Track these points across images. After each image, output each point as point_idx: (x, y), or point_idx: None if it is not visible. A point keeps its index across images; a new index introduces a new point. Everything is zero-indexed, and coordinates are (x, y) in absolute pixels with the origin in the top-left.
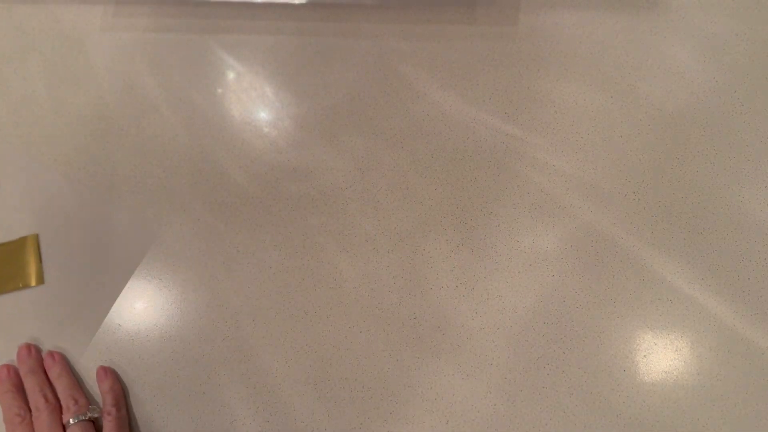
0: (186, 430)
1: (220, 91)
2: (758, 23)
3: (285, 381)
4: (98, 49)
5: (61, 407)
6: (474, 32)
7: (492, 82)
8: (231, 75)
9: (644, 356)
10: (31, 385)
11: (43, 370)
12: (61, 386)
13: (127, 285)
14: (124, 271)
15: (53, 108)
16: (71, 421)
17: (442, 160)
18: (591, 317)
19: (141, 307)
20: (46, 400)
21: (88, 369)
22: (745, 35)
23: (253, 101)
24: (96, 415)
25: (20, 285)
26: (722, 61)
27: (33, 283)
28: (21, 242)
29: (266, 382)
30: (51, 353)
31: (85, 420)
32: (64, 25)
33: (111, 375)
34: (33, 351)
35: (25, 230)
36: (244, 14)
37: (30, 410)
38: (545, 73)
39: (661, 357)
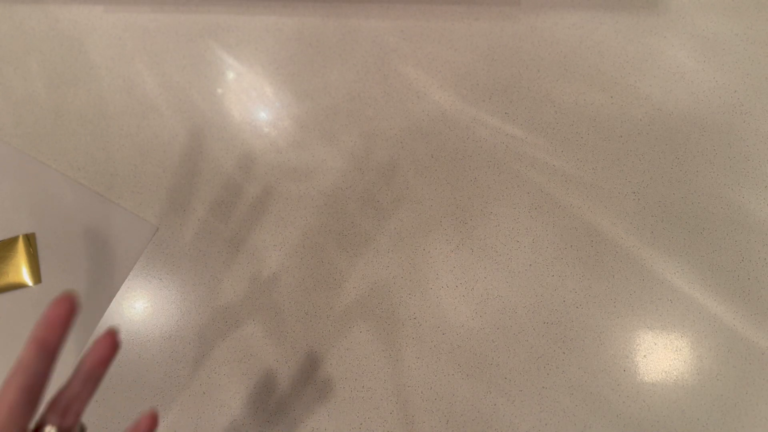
0: (186, 430)
1: (220, 91)
2: (758, 23)
3: (285, 381)
4: (98, 49)
5: None
6: (474, 33)
7: (492, 82)
8: (231, 75)
9: (644, 356)
10: None
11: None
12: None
13: (127, 285)
14: (123, 271)
15: (53, 108)
16: None
17: (442, 160)
18: (591, 317)
19: (141, 307)
20: None
21: None
22: (745, 35)
23: (253, 101)
24: None
25: (10, 281)
26: (722, 61)
27: (27, 282)
28: (11, 241)
29: (266, 381)
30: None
31: None
32: (64, 25)
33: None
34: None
35: (24, 230)
36: (244, 15)
37: None
38: (545, 73)
39: (661, 357)
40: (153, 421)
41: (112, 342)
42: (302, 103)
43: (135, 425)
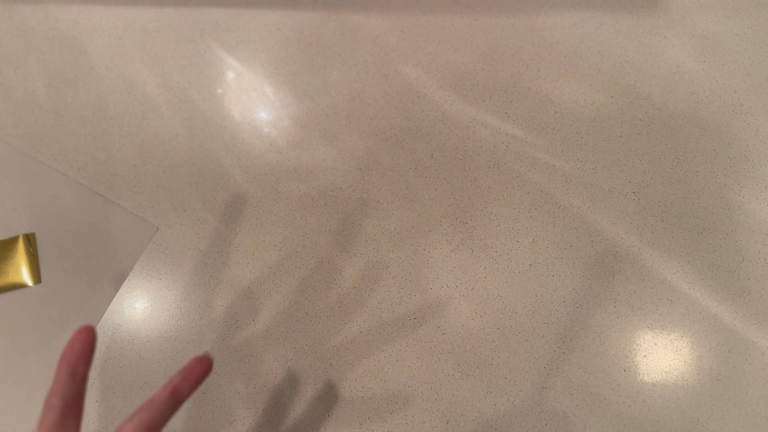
0: (186, 430)
1: (220, 91)
2: (758, 23)
3: (285, 381)
4: (98, 49)
5: None
6: (474, 32)
7: (492, 82)
8: (231, 75)
9: (644, 356)
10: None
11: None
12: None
13: (127, 285)
14: (123, 271)
15: (53, 108)
16: None
17: (442, 160)
18: (591, 317)
19: (141, 307)
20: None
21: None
22: (745, 35)
23: (253, 101)
24: None
25: (10, 281)
26: (722, 61)
27: (27, 282)
28: (11, 241)
29: (266, 382)
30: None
31: None
32: (64, 25)
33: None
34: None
35: (24, 230)
36: (244, 14)
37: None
38: (545, 73)
39: (661, 357)
40: (205, 365)
41: None
42: (302, 103)
43: (185, 371)
